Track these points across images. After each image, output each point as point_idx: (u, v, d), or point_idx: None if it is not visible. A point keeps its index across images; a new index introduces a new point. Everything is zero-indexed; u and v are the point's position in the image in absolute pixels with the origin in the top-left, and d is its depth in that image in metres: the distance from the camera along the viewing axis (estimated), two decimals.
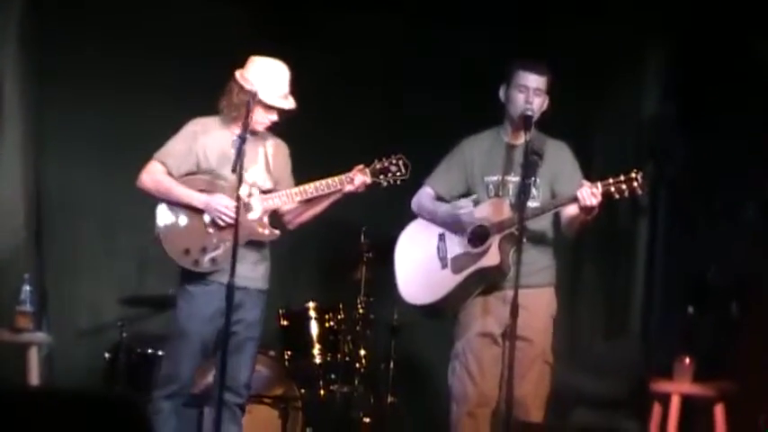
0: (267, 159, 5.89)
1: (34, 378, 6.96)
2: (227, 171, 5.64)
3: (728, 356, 6.94)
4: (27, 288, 6.99)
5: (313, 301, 7.32)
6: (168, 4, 7.78)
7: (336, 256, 7.75)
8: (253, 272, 5.82)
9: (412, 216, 5.97)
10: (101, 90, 7.67)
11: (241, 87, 5.73)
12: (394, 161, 5.87)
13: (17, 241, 7.48)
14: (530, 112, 5.55)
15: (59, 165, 7.70)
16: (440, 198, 5.87)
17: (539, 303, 5.62)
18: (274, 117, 5.81)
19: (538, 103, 5.62)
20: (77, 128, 7.67)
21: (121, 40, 7.69)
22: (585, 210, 5.36)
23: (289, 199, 5.84)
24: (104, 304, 7.67)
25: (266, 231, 5.83)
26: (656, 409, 6.98)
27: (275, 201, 5.84)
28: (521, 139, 5.60)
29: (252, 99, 5.63)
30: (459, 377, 5.66)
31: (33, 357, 6.99)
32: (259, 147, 5.87)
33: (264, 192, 5.85)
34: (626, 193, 5.31)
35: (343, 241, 7.64)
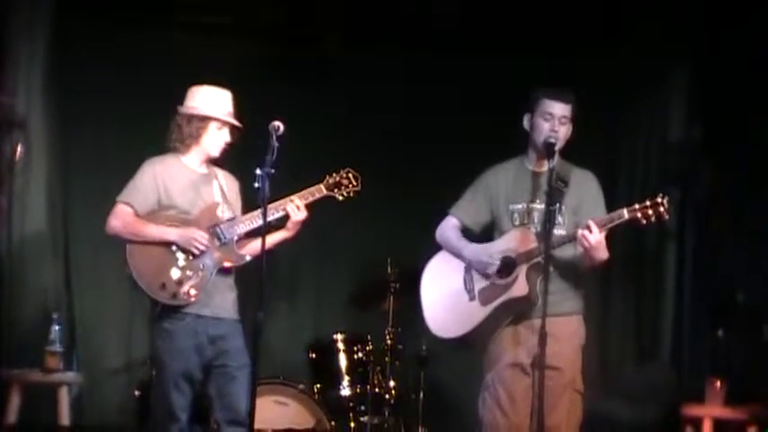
0: (223, 191, 6.05)
1: (65, 418, 6.98)
2: (189, 205, 5.90)
3: (760, 378, 6.90)
4: (56, 328, 7.03)
5: (341, 332, 7.32)
6: (189, 47, 7.88)
7: (363, 287, 7.75)
8: (225, 301, 5.95)
9: (438, 245, 5.95)
10: (124, 130, 7.77)
11: (189, 117, 5.96)
12: (344, 174, 6.12)
13: (45, 280, 7.52)
14: (552, 140, 5.53)
15: (85, 204, 7.74)
16: (465, 228, 5.86)
17: (567, 331, 5.58)
18: (227, 137, 6.02)
19: (563, 132, 5.60)
20: (102, 167, 7.72)
21: (144, 81, 7.80)
22: (586, 251, 5.38)
23: (251, 222, 5.94)
24: (134, 341, 7.70)
25: (236, 256, 5.94)
26: None
27: (241, 226, 5.96)
28: (545, 167, 5.59)
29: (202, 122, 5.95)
30: (489, 408, 5.61)
31: (64, 397, 7.03)
32: (213, 180, 6.06)
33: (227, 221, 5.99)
34: (652, 218, 5.29)
35: (369, 272, 7.65)
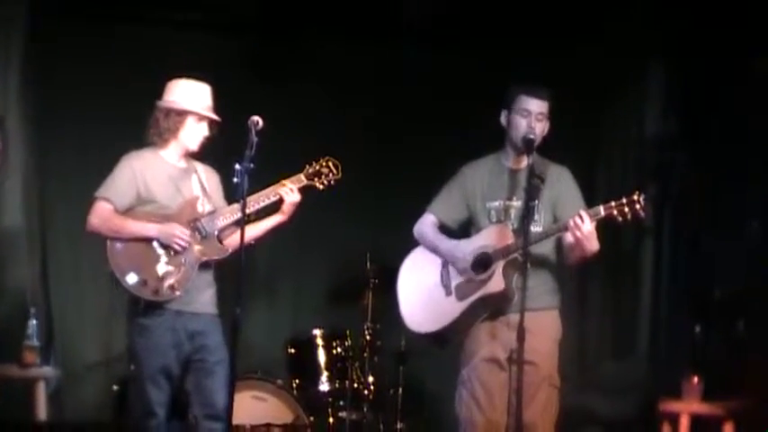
0: (203, 185, 6.05)
1: (42, 413, 6.96)
2: (169, 200, 5.89)
3: (737, 374, 6.92)
4: (33, 322, 7.01)
5: (320, 328, 7.32)
6: (167, 45, 7.85)
7: (342, 282, 7.76)
8: (204, 297, 5.95)
9: (416, 242, 5.95)
10: (102, 127, 7.73)
11: (167, 111, 5.95)
12: (324, 163, 6.14)
13: (22, 275, 7.50)
14: (531, 136, 5.54)
15: (63, 200, 7.73)
16: (442, 225, 5.87)
17: (542, 326, 5.57)
18: (205, 131, 6.00)
19: (540, 128, 5.61)
20: (80, 164, 7.70)
21: (122, 78, 7.77)
22: (578, 241, 5.37)
23: (232, 214, 5.94)
24: (112, 336, 7.66)
25: (218, 249, 5.95)
26: (666, 429, 6.99)
27: (221, 219, 5.96)
28: (522, 164, 5.61)
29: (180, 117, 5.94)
30: (466, 404, 5.62)
31: (41, 392, 7.00)
32: (192, 174, 6.05)
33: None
34: (629, 216, 5.29)
35: (348, 268, 7.65)
